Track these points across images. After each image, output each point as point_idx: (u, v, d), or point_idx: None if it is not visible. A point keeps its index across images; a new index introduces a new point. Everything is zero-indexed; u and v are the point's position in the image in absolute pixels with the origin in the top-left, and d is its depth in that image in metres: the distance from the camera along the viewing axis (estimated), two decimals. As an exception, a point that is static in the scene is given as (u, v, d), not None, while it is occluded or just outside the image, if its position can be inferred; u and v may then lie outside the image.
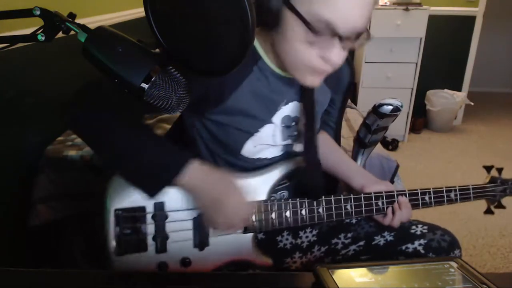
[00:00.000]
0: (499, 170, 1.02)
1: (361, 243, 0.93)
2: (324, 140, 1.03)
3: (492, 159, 3.13)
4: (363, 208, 0.90)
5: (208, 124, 0.85)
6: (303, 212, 0.87)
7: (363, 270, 0.62)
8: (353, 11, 0.66)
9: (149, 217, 0.82)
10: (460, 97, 3.53)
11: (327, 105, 1.00)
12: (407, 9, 3.01)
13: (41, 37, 0.58)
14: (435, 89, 3.62)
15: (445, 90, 3.59)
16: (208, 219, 0.81)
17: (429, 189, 0.93)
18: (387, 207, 0.90)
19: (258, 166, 0.90)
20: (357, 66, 3.35)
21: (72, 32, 0.59)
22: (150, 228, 0.83)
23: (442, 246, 0.88)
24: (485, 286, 0.57)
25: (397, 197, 0.91)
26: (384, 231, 0.93)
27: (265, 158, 0.90)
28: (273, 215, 0.86)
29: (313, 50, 0.70)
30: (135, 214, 0.82)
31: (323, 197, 0.88)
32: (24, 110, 1.42)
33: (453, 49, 3.62)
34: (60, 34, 0.59)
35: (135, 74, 0.57)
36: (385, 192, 0.91)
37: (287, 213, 0.87)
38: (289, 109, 0.87)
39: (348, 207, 0.89)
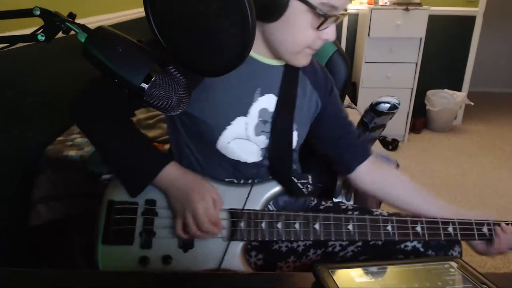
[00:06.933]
0: None
1: (359, 243, 0.93)
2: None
3: (492, 159, 3.14)
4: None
5: (183, 118, 0.86)
6: (296, 226, 0.84)
7: (363, 270, 0.62)
8: None
9: (139, 212, 0.84)
10: (460, 97, 3.53)
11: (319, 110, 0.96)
12: (407, 9, 3.01)
13: (41, 37, 0.58)
14: (435, 89, 3.62)
15: (445, 90, 3.59)
16: (179, 216, 0.81)
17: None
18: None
19: (240, 170, 0.88)
20: (357, 66, 3.36)
21: (72, 32, 0.59)
22: (139, 223, 0.84)
23: (441, 244, 0.88)
24: (485, 286, 0.57)
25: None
26: None
27: (245, 162, 0.88)
28: (263, 225, 0.84)
29: (314, 32, 0.75)
30: (127, 207, 0.85)
31: (321, 213, 0.85)
32: (24, 110, 1.42)
33: (453, 49, 3.62)
34: (60, 34, 0.59)
35: (135, 74, 0.57)
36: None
37: (279, 225, 0.83)
38: (266, 101, 0.86)
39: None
